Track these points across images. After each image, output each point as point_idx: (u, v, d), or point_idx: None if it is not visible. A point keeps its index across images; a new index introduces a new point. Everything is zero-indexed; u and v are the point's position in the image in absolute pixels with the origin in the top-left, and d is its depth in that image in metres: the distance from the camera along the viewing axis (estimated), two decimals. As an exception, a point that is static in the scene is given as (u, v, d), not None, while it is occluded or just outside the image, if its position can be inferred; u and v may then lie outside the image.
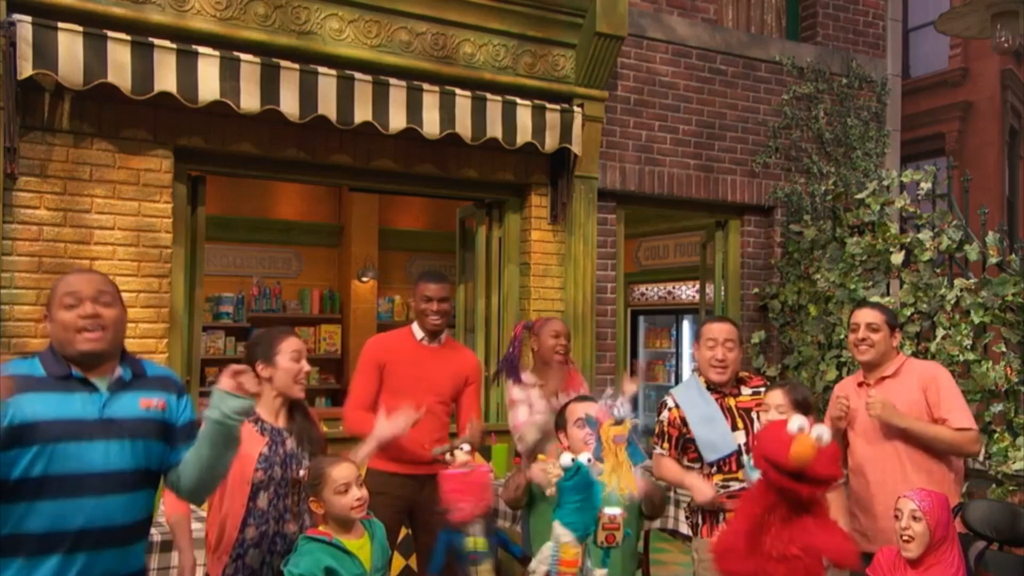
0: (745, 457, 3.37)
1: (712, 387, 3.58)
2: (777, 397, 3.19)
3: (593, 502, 2.95)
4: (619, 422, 3.42)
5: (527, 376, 4.28)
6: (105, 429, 2.29)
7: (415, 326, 3.92)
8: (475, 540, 3.05)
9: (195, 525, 3.30)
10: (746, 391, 3.59)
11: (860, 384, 3.61)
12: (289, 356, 3.00)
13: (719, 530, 3.38)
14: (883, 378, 3.52)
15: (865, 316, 3.57)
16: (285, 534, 2.91)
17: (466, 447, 3.20)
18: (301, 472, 2.88)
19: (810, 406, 3.20)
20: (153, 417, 2.41)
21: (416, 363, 3.83)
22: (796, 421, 2.54)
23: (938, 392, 3.41)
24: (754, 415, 3.49)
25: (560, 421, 3.47)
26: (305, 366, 3.04)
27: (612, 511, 2.97)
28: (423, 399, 3.75)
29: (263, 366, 2.98)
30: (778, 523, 2.48)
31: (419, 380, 3.81)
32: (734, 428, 3.50)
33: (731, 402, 3.55)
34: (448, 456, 3.17)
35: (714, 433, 3.49)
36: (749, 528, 2.50)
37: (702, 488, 3.41)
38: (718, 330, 3.59)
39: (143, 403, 2.40)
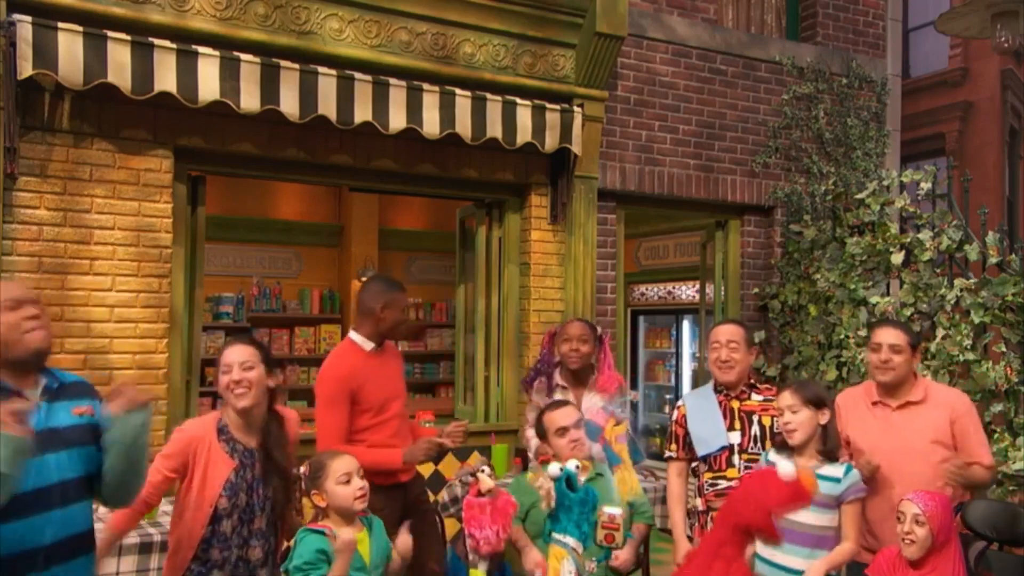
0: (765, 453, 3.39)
1: (720, 389, 3.58)
2: (786, 398, 3.16)
3: (590, 510, 2.96)
4: (619, 422, 3.42)
5: (558, 378, 4.24)
6: (51, 440, 2.29)
7: (359, 338, 3.72)
8: (477, 574, 3.04)
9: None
10: (756, 397, 3.57)
11: (875, 403, 3.46)
12: (222, 370, 2.91)
13: (704, 534, 3.42)
14: (908, 403, 3.40)
15: (887, 336, 3.40)
16: (248, 560, 2.85)
17: (487, 469, 3.17)
18: (302, 468, 2.88)
19: (824, 401, 3.15)
20: (87, 423, 2.42)
21: (378, 376, 3.69)
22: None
23: (966, 428, 3.34)
24: (755, 418, 3.48)
25: (540, 430, 3.47)
26: (235, 375, 2.87)
27: (613, 511, 2.98)
28: (394, 407, 3.70)
29: (217, 383, 2.93)
30: (725, 562, 2.61)
31: (387, 391, 3.71)
32: (730, 428, 3.50)
33: (735, 404, 3.55)
34: (468, 478, 3.13)
35: (705, 427, 3.50)
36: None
37: (678, 544, 3.51)
38: (721, 332, 3.59)
39: (75, 411, 2.41)
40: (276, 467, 2.88)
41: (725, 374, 3.53)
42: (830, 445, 3.12)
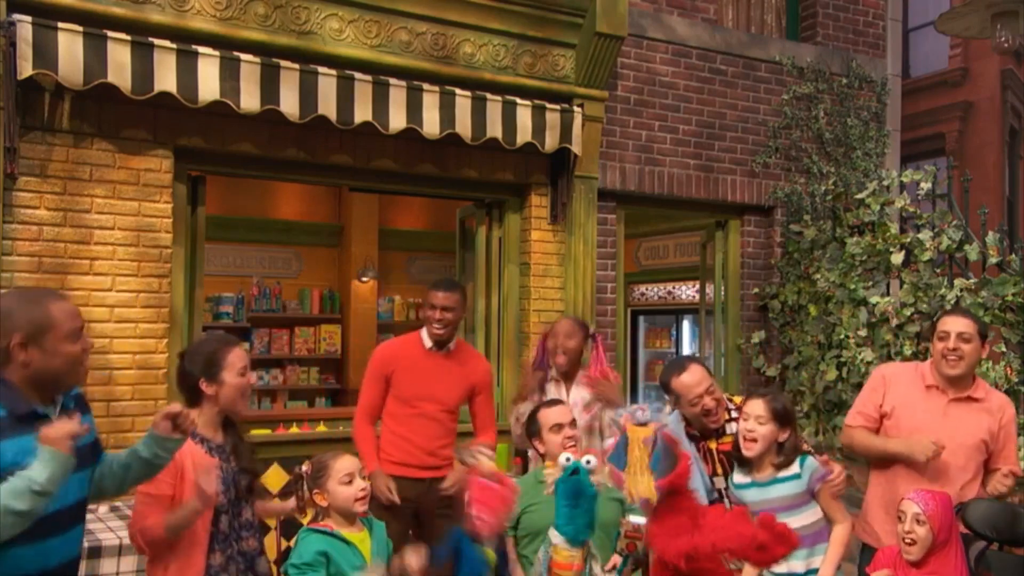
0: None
1: (695, 434, 3.42)
2: (757, 407, 3.09)
3: (586, 508, 2.93)
4: (643, 424, 3.38)
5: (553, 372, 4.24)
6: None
7: (424, 333, 3.93)
8: (489, 553, 3.03)
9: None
10: (732, 428, 3.37)
11: (929, 387, 3.37)
12: (237, 371, 2.79)
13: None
14: (970, 398, 3.32)
15: (956, 324, 3.27)
16: (246, 551, 2.82)
17: (489, 452, 3.16)
18: (304, 467, 2.88)
19: (790, 418, 3.10)
20: (90, 441, 2.39)
21: (421, 373, 3.85)
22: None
23: (1010, 434, 3.32)
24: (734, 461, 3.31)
25: (533, 428, 3.42)
26: (251, 378, 2.83)
27: (637, 520, 2.97)
28: (426, 408, 3.83)
29: (207, 383, 2.78)
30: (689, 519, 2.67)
31: (422, 389, 3.84)
32: (713, 474, 3.39)
33: (712, 445, 3.41)
34: (469, 460, 3.13)
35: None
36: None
37: None
38: (695, 383, 3.31)
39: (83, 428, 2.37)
40: (244, 455, 2.87)
41: (715, 423, 3.38)
42: (785, 458, 3.06)
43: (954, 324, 3.29)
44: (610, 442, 3.58)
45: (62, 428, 2.10)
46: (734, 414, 3.43)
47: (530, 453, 4.33)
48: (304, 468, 2.87)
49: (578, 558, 2.93)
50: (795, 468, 3.05)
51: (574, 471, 2.91)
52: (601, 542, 3.08)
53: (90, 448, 2.40)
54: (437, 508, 3.81)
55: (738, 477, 3.18)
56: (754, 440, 3.07)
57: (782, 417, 3.08)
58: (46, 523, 2.19)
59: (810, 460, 3.07)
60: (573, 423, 3.41)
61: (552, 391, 4.20)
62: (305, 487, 2.84)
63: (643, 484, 3.20)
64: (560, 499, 2.91)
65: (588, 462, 3.00)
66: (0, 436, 2.14)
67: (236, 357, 2.81)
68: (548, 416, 3.39)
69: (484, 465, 3.05)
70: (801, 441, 3.19)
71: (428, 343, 3.90)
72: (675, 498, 2.73)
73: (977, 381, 3.40)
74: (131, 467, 2.45)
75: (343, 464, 2.79)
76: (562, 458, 3.01)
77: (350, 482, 2.77)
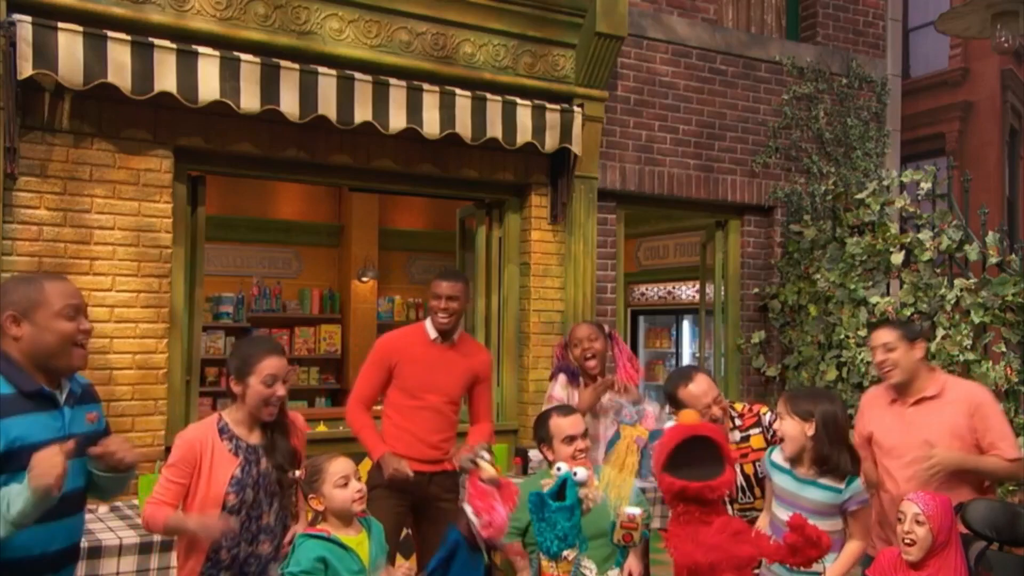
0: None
1: None
2: (778, 406, 3.13)
3: (555, 522, 2.93)
4: (632, 424, 3.38)
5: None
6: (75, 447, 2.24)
7: (428, 323, 3.92)
8: (501, 554, 3.03)
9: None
10: (734, 437, 3.38)
11: (893, 401, 3.45)
12: (262, 379, 2.77)
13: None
14: (923, 399, 3.37)
15: (878, 338, 3.42)
16: (259, 555, 2.81)
17: (488, 455, 3.15)
18: (298, 472, 2.87)
19: (811, 415, 3.04)
20: (94, 431, 2.41)
21: (425, 364, 3.86)
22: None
23: (985, 419, 3.31)
24: (736, 468, 3.27)
25: (544, 435, 3.38)
26: (279, 391, 2.78)
27: (632, 511, 2.96)
28: (431, 399, 3.83)
29: (235, 382, 2.80)
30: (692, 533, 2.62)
31: (427, 380, 3.85)
32: None
33: None
34: (469, 464, 3.12)
35: None
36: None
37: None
38: (703, 391, 3.33)
39: (88, 417, 2.40)
40: (282, 455, 2.84)
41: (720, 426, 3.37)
42: (822, 459, 3.01)
43: (876, 339, 3.44)
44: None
45: (53, 463, 2.04)
46: (737, 422, 3.45)
47: (530, 453, 4.33)
48: (298, 473, 2.86)
49: (560, 570, 2.93)
50: (840, 484, 3.04)
51: (563, 482, 2.92)
52: (597, 548, 3.07)
53: (93, 439, 2.41)
54: (436, 501, 3.81)
55: (777, 456, 3.17)
56: (781, 439, 3.09)
57: (800, 414, 3.07)
58: (55, 506, 2.20)
59: (857, 483, 3.06)
60: (585, 434, 3.39)
61: (562, 395, 4.16)
62: (300, 491, 2.84)
63: (625, 486, 3.19)
64: (531, 513, 2.92)
65: (576, 474, 3.00)
66: (9, 413, 2.17)
67: (266, 366, 2.77)
68: (561, 427, 3.33)
69: (485, 471, 3.04)
70: (853, 461, 3.12)
71: (432, 334, 3.89)
72: (698, 507, 2.69)
73: (934, 378, 3.43)
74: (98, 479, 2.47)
75: (337, 467, 2.78)
76: (554, 468, 3.02)
77: (345, 484, 2.76)
